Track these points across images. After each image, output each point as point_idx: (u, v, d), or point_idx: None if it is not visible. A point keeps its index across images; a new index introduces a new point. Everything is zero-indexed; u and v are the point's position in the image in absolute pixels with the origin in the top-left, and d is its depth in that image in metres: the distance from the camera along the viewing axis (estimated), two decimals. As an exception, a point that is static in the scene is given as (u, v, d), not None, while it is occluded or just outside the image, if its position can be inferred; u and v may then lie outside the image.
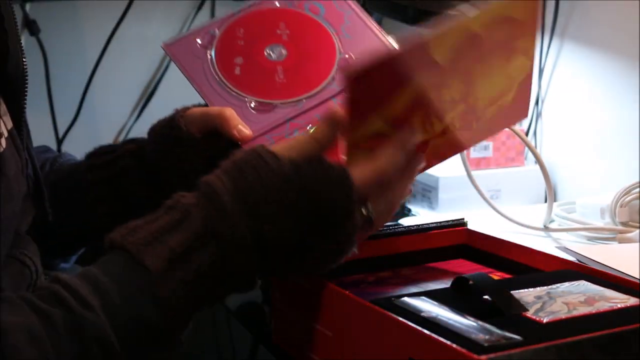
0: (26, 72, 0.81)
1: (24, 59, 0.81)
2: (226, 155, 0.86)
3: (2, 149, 0.72)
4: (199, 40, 0.93)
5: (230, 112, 0.87)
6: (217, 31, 0.94)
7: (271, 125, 0.88)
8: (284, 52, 0.93)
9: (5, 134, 0.74)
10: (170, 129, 0.91)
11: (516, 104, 0.84)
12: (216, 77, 0.91)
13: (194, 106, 0.93)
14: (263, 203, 0.68)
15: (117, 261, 0.67)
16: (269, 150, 0.71)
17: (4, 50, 0.76)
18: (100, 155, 0.96)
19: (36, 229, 0.83)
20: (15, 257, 0.76)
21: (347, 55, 0.92)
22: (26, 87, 0.81)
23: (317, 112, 0.88)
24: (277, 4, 0.96)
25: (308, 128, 0.87)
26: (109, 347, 0.63)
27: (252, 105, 0.89)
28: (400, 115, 0.73)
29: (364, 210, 0.72)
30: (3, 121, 0.74)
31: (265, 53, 0.92)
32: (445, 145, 0.82)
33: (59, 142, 1.72)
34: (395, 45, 0.91)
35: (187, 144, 0.89)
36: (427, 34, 0.70)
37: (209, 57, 0.93)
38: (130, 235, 0.68)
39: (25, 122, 0.83)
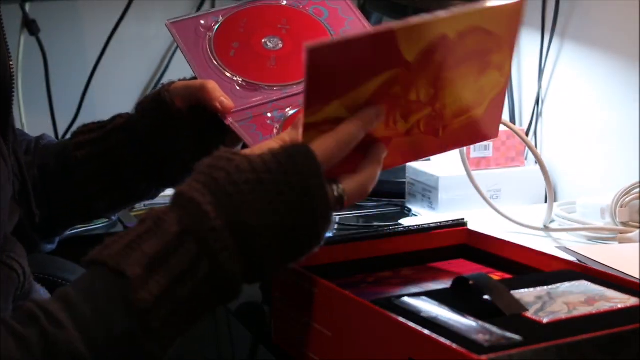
0: (13, 76, 0.81)
1: (10, 63, 0.81)
2: (212, 126, 0.90)
3: None
4: (202, 22, 0.97)
5: (212, 85, 0.89)
6: (221, 18, 0.97)
7: (254, 103, 0.90)
8: (280, 43, 0.95)
9: None
10: (157, 103, 0.92)
11: (486, 121, 0.84)
12: (210, 55, 0.94)
13: (179, 80, 0.95)
14: (235, 195, 0.67)
15: (90, 275, 0.66)
16: (234, 152, 0.70)
17: None
18: (88, 132, 0.96)
19: (22, 229, 0.83)
20: (2, 261, 0.75)
21: None
22: (13, 92, 0.81)
23: (301, 99, 0.89)
24: (283, 2, 0.98)
25: (287, 110, 0.88)
26: None
27: (239, 82, 0.91)
28: (364, 106, 0.73)
29: (334, 188, 0.72)
30: None
31: (263, 42, 0.95)
32: (409, 147, 0.81)
33: (59, 142, 1.72)
34: None
35: (173, 116, 0.91)
36: (396, 23, 0.70)
37: (207, 37, 0.96)
38: (105, 249, 0.66)
39: (13, 126, 0.82)
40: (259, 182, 0.67)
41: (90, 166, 0.94)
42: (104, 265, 0.64)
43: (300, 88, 0.89)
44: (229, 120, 0.88)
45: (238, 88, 0.91)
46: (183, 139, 0.91)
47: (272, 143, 0.73)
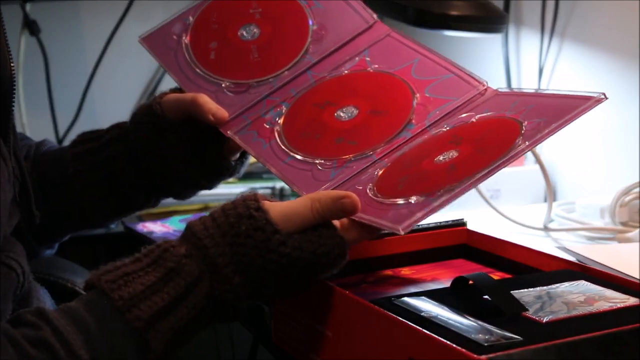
0: (14, 77, 0.81)
1: (11, 64, 0.81)
2: (205, 139, 0.90)
3: None
4: (173, 29, 0.94)
5: (203, 99, 0.88)
6: (191, 19, 0.95)
7: (246, 106, 0.89)
8: (256, 30, 0.93)
9: None
10: (149, 116, 0.91)
11: None
12: (192, 64, 0.92)
13: (172, 90, 0.94)
14: (259, 271, 0.70)
15: (104, 309, 0.67)
16: (268, 220, 0.70)
17: None
18: (86, 143, 0.96)
19: (21, 230, 0.83)
20: (1, 261, 0.75)
21: (317, 26, 0.93)
22: (13, 93, 0.81)
23: (292, 87, 0.89)
24: None
25: (283, 107, 0.88)
26: None
27: (227, 85, 0.90)
28: None
29: None
30: None
31: (239, 34, 0.93)
32: None
33: (59, 142, 1.72)
34: (373, 15, 0.91)
35: (165, 129, 0.90)
36: None
37: (183, 45, 0.94)
38: (117, 286, 0.67)
39: (13, 127, 0.82)
40: (286, 272, 0.71)
41: (87, 177, 0.94)
42: (115, 306, 0.66)
43: (288, 76, 0.89)
44: (229, 133, 0.87)
45: (228, 93, 0.89)
46: (176, 150, 0.90)
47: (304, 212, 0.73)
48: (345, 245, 0.72)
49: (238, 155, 0.94)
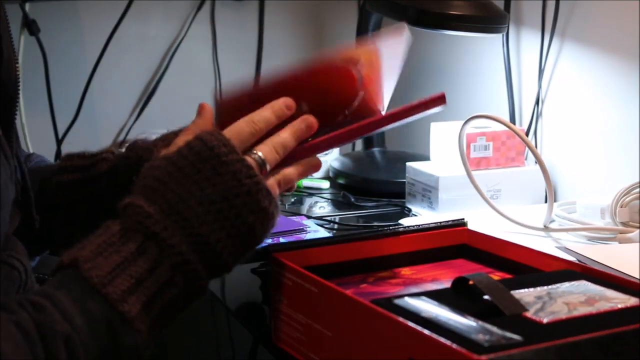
0: (19, 78, 0.81)
1: (17, 65, 0.80)
2: None
3: None
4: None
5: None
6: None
7: None
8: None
9: None
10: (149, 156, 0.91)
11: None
12: None
13: (174, 134, 0.91)
14: (160, 188, 0.72)
15: (62, 277, 0.69)
16: (155, 158, 0.75)
17: None
18: (71, 172, 0.95)
19: (21, 234, 0.83)
20: (4, 260, 0.75)
21: None
22: (18, 94, 0.81)
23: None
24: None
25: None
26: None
27: None
28: None
29: (251, 155, 0.76)
30: None
31: None
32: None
33: (59, 142, 1.72)
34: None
35: None
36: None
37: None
38: (92, 266, 0.69)
39: (15, 129, 0.82)
40: (178, 170, 0.73)
41: (72, 207, 0.94)
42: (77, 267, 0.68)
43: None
44: None
45: None
46: None
47: (188, 136, 0.77)
48: (222, 134, 0.75)
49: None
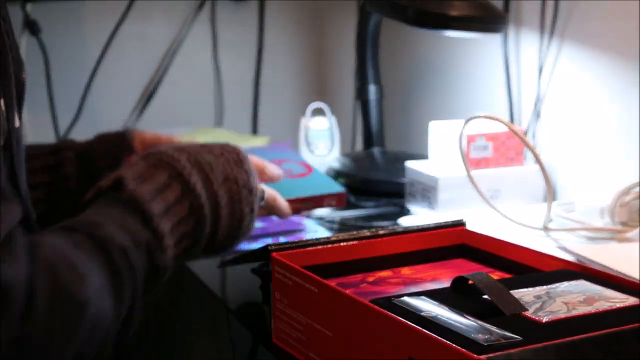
0: (24, 82, 0.81)
1: (23, 72, 0.81)
2: None
3: None
4: None
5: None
6: None
7: None
8: None
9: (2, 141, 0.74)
10: (121, 147, 1.03)
11: None
12: None
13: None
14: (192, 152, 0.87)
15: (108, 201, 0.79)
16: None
17: (4, 54, 0.76)
18: (39, 158, 1.00)
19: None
20: None
21: None
22: (23, 98, 0.81)
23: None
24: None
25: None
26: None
27: None
28: None
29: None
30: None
31: None
32: None
33: (60, 142, 1.72)
34: None
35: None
36: None
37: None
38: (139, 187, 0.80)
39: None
40: (200, 146, 0.89)
41: (37, 192, 0.98)
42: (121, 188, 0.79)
43: None
44: None
45: None
46: None
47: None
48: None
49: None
